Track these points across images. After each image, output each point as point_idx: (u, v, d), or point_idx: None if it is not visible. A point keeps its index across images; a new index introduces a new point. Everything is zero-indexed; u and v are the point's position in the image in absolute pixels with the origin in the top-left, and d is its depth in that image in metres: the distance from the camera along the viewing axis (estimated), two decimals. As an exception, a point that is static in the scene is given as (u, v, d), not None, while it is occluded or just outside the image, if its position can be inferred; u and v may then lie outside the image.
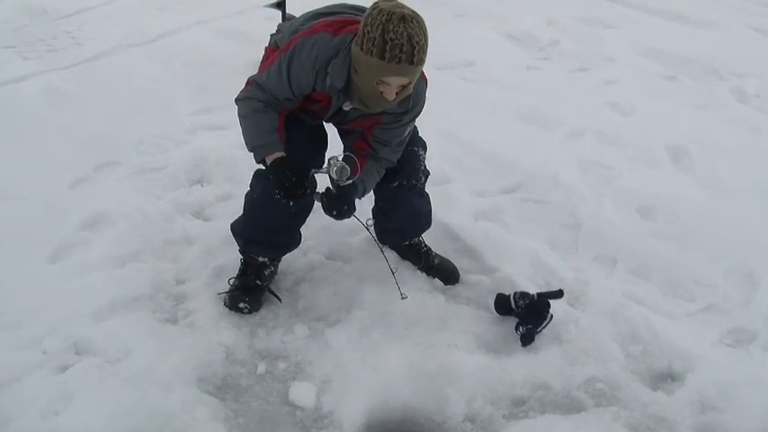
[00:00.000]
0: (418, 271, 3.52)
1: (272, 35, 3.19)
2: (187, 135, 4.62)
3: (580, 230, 3.92)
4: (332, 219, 2.98)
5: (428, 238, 3.62)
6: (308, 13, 3.03)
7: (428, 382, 2.89)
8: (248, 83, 2.93)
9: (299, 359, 3.02)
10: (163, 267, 3.43)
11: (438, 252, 3.61)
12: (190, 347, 2.97)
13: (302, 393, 2.85)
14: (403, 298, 3.15)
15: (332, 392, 2.86)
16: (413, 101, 2.89)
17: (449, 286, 3.49)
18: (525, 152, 4.61)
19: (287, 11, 5.11)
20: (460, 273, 3.54)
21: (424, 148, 3.30)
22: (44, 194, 3.89)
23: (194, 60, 5.72)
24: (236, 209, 3.32)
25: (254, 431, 2.72)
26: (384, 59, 2.50)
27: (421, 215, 3.48)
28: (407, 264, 3.55)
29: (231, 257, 3.40)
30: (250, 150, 2.93)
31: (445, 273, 3.52)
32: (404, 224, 3.47)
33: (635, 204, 4.15)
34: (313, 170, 2.91)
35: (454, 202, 4.06)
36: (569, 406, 2.89)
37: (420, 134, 3.33)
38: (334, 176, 2.80)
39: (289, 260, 3.49)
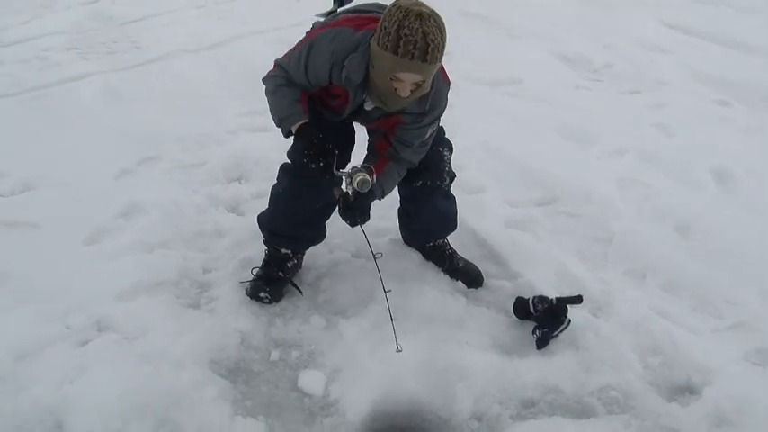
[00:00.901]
0: (442, 273, 3.53)
1: (314, 23, 3.25)
2: (230, 135, 4.74)
3: (611, 244, 3.87)
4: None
5: (455, 242, 3.62)
6: (342, 10, 3.10)
7: (437, 377, 2.90)
8: (274, 65, 3.01)
9: (312, 348, 3.06)
10: (191, 256, 3.53)
11: (464, 256, 3.61)
12: (206, 330, 3.04)
13: (311, 381, 2.89)
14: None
15: (340, 382, 2.89)
16: (432, 101, 2.90)
17: (471, 289, 3.48)
18: (563, 167, 4.58)
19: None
20: (484, 277, 3.54)
21: (450, 150, 3.32)
22: (87, 183, 4.07)
23: (247, 67, 5.80)
24: (270, 206, 3.39)
25: (261, 414, 2.75)
26: (397, 55, 2.52)
27: (446, 217, 3.49)
28: (431, 265, 3.56)
29: (260, 250, 3.45)
30: (278, 125, 2.97)
31: (469, 276, 3.52)
32: (428, 225, 3.48)
33: (672, 222, 4.07)
34: (336, 171, 2.93)
35: (486, 210, 4.05)
36: (579, 411, 2.85)
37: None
38: (356, 187, 2.82)
39: (314, 256, 3.55)
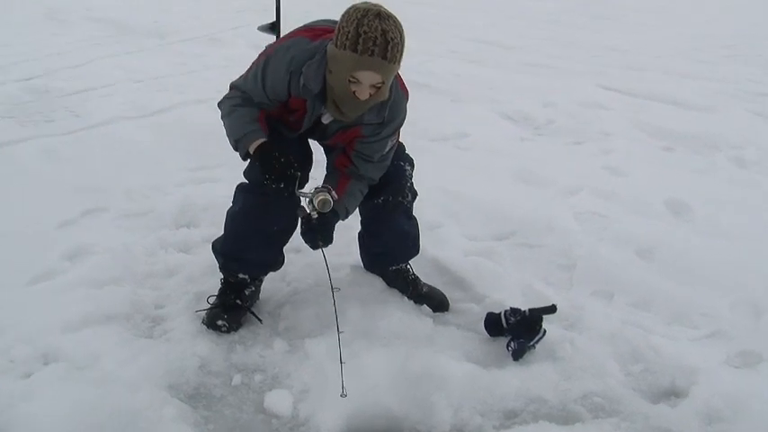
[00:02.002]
0: (406, 298, 3.38)
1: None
2: (176, 187, 4.57)
3: (575, 269, 3.79)
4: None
5: (416, 271, 3.50)
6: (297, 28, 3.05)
7: (413, 388, 2.73)
8: (230, 88, 2.94)
9: (276, 371, 2.87)
10: (142, 293, 3.33)
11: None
12: (162, 355, 2.84)
13: (278, 401, 2.68)
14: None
15: (309, 400, 2.69)
16: (390, 111, 2.85)
17: (438, 313, 3.34)
18: (519, 205, 4.53)
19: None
20: (450, 303, 3.41)
21: (412, 166, 3.23)
22: (28, 232, 3.83)
23: (190, 130, 5.73)
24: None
25: (225, 437, 2.54)
26: (357, 52, 2.47)
27: (408, 236, 3.37)
28: (394, 291, 3.42)
29: (214, 284, 3.27)
30: (235, 147, 2.87)
31: (435, 300, 3.38)
32: (390, 246, 3.34)
33: (633, 247, 4.04)
34: (298, 191, 2.81)
35: (445, 242, 3.97)
36: (565, 418, 2.69)
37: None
38: (317, 207, 2.72)
39: (271, 289, 3.41)
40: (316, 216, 2.77)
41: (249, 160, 2.94)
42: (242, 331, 3.11)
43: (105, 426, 2.42)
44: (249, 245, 3.09)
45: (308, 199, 2.77)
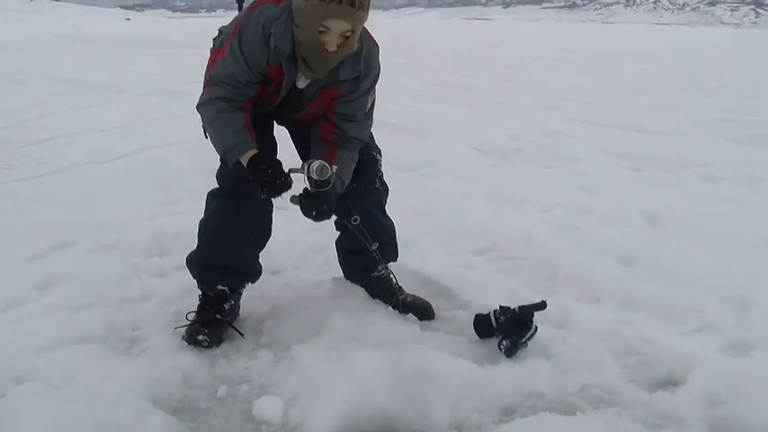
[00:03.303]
0: (390, 308, 3.29)
1: (214, 39, 3.14)
2: (146, 221, 4.46)
3: (558, 277, 3.74)
4: (307, 227, 2.87)
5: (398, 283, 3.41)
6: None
7: (407, 386, 2.63)
8: (206, 84, 2.86)
9: (263, 381, 2.76)
10: (118, 316, 3.18)
11: (410, 295, 3.40)
12: (143, 369, 2.72)
13: (267, 408, 2.56)
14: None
15: (300, 405, 2.57)
16: (365, 65, 2.85)
17: (424, 321, 3.25)
18: (495, 222, 4.50)
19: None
20: (436, 312, 3.32)
21: (380, 154, 3.23)
22: (-5, 264, 3.69)
23: (157, 170, 5.65)
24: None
25: (214, 448, 2.41)
26: (324, 0, 2.49)
27: (384, 228, 3.29)
28: (378, 302, 3.32)
29: (192, 304, 3.16)
30: (222, 155, 2.82)
31: (420, 309, 3.29)
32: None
33: (614, 255, 4.02)
34: (289, 168, 2.76)
35: (425, 257, 3.92)
36: (565, 411, 2.60)
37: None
38: (315, 176, 2.67)
39: (251, 308, 3.31)
40: (314, 186, 2.72)
41: (220, 166, 2.93)
42: (224, 346, 3.00)
43: (87, 439, 2.29)
44: (225, 251, 3.02)
45: (303, 172, 2.72)
